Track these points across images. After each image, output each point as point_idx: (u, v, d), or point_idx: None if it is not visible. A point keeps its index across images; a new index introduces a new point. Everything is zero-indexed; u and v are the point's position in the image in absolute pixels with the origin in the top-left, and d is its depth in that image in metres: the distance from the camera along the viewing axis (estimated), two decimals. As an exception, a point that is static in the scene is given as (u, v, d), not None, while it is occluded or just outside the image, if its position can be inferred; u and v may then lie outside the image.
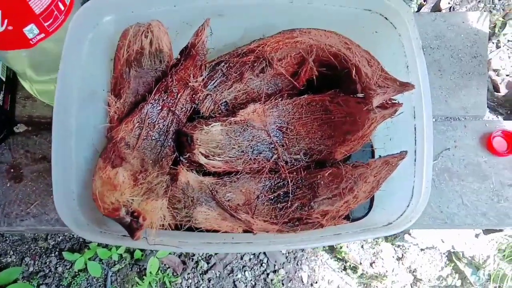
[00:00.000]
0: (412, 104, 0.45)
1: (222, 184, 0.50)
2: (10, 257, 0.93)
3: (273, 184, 0.53)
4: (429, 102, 0.42)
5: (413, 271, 0.95)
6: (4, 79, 0.57)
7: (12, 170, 0.59)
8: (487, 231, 0.80)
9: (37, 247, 0.94)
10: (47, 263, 0.93)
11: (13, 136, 0.60)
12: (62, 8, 0.44)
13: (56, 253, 0.94)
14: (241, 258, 0.96)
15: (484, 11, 0.75)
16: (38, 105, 0.60)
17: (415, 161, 0.44)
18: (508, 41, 0.79)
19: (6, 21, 0.40)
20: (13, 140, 0.59)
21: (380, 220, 0.48)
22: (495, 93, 0.76)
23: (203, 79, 0.52)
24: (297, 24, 0.51)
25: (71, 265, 0.93)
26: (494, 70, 0.78)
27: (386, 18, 0.47)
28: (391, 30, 0.47)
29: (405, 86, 0.44)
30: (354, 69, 0.48)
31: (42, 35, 0.44)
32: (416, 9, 0.79)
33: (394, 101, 0.46)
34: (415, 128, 0.44)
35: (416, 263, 0.96)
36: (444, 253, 0.92)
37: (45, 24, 0.43)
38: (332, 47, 0.50)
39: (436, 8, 0.75)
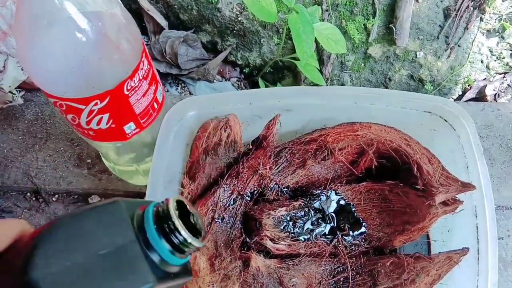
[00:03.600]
0: (473, 204, 0.47)
1: (286, 268, 0.53)
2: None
3: (333, 268, 0.55)
4: (492, 207, 0.45)
5: None
6: None
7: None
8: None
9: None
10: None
11: (87, 206, 0.65)
12: (156, 106, 0.50)
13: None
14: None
15: (529, 98, 0.78)
16: (112, 179, 0.65)
17: (478, 260, 0.45)
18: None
19: (111, 121, 0.46)
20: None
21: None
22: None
23: (270, 166, 0.56)
24: (358, 119, 0.56)
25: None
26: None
27: (446, 120, 0.51)
28: (450, 130, 0.51)
29: (467, 187, 0.47)
30: (416, 165, 0.51)
31: (138, 130, 0.49)
32: (460, 93, 0.83)
33: (456, 199, 0.49)
34: (477, 227, 0.46)
35: None
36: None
37: (142, 121, 0.49)
38: (392, 143, 0.54)
39: (481, 94, 0.79)
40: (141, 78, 0.44)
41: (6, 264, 0.21)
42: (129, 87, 0.43)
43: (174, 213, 0.23)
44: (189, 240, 0.23)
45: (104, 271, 0.20)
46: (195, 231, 0.24)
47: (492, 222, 0.45)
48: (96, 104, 0.42)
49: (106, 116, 0.45)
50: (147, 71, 0.45)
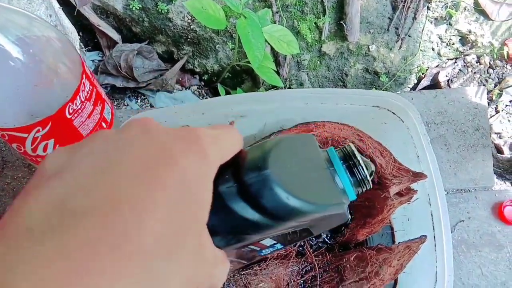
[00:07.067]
0: (426, 192, 0.49)
1: (253, 274, 0.53)
2: None
3: (300, 268, 0.56)
4: (442, 194, 0.46)
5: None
6: None
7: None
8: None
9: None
10: None
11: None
12: (105, 126, 0.50)
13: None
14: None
15: (480, 81, 0.81)
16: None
17: (435, 246, 0.47)
18: (506, 105, 0.84)
19: (57, 146, 0.45)
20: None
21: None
22: (500, 155, 0.80)
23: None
24: (312, 118, 0.56)
25: None
26: (496, 133, 0.83)
27: (394, 113, 0.52)
28: (399, 122, 0.52)
29: (418, 177, 0.48)
30: (369, 160, 0.52)
31: (88, 151, 0.48)
32: (415, 81, 0.85)
33: (410, 188, 0.50)
34: (431, 214, 0.48)
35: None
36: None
37: (91, 142, 0.48)
38: (346, 139, 0.55)
39: (435, 81, 0.82)
40: (83, 100, 0.44)
41: (233, 169, 0.23)
42: (71, 111, 0.42)
43: (358, 153, 0.27)
44: (368, 177, 0.27)
45: (316, 180, 0.25)
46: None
47: (444, 209, 0.46)
48: (38, 131, 0.42)
49: (51, 142, 0.44)
50: (89, 92, 0.45)
